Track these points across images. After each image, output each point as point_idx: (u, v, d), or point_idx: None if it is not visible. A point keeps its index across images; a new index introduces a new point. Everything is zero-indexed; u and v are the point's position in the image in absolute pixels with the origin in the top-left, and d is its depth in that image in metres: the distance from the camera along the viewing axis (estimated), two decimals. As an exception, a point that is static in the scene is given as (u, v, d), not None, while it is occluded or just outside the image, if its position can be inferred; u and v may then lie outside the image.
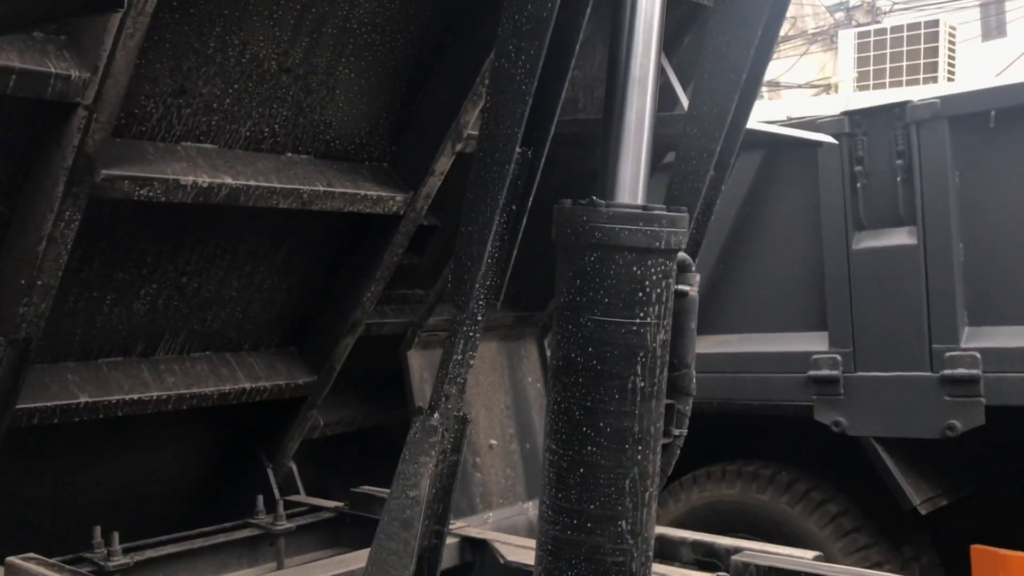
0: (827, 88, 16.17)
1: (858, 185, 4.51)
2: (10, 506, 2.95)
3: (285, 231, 3.02)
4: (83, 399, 2.76)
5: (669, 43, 3.44)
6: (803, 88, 17.39)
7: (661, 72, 3.37)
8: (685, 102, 3.28)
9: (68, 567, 2.50)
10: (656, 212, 1.77)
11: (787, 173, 4.78)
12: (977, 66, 15.36)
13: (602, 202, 1.78)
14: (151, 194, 2.40)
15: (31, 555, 2.52)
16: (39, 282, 2.37)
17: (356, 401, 3.82)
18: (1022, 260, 4.16)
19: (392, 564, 1.76)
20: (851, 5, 16.39)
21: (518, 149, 1.73)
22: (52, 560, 2.52)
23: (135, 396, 2.87)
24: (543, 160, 1.78)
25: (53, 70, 2.06)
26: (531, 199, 1.79)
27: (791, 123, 4.52)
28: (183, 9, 2.31)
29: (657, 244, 1.74)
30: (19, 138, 2.26)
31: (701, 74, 2.13)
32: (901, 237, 4.42)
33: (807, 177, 4.68)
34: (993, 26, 19.66)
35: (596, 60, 3.37)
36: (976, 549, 4.34)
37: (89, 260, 2.65)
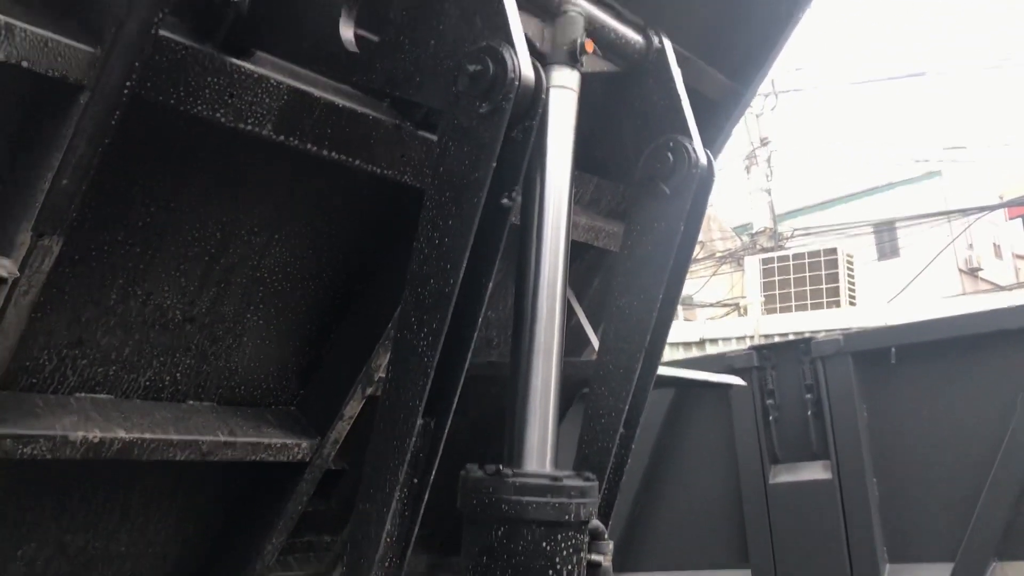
0: (736, 307, 16.79)
1: (770, 418, 4.56)
2: None
3: (182, 480, 2.86)
4: None
5: (579, 285, 3.51)
6: (714, 307, 18.04)
7: (571, 315, 3.42)
8: (596, 343, 3.31)
9: None
10: (565, 483, 1.72)
11: (701, 408, 4.82)
12: (876, 284, 16.24)
13: (509, 471, 1.73)
14: (36, 452, 2.25)
15: None
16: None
17: (253, 660, 3.51)
18: (935, 496, 4.18)
19: None
20: (754, 231, 17.29)
21: (420, 420, 1.67)
22: None
23: (-1, 672, 2.59)
24: (447, 429, 1.73)
25: (-65, 329, 1.97)
26: (434, 471, 1.72)
27: (702, 358, 4.60)
28: (84, 262, 2.27)
29: (567, 517, 1.69)
30: None
31: (607, 333, 2.15)
32: (816, 471, 4.43)
33: (721, 411, 4.72)
34: (888, 249, 21.07)
35: (509, 300, 3.41)
36: None
37: (-40, 519, 2.45)
